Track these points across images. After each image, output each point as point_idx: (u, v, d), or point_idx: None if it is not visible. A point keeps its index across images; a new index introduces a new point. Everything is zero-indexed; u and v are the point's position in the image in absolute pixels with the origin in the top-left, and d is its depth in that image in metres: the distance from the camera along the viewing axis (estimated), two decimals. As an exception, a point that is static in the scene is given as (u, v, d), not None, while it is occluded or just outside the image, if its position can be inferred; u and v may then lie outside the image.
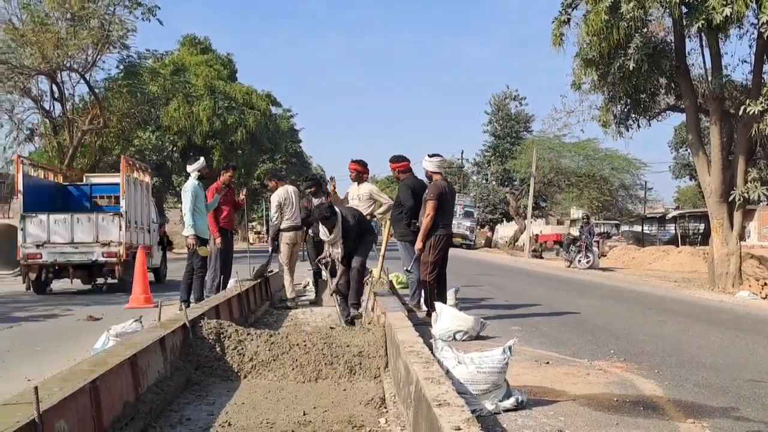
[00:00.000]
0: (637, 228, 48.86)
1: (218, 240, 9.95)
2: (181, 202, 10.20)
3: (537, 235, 41.55)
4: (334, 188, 10.14)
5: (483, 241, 49.42)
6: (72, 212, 13.38)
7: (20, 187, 13.18)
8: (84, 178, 16.89)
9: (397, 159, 9.33)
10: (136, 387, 4.13)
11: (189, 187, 9.33)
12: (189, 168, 9.69)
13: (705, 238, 29.88)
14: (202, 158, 10.06)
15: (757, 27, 13.40)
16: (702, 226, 39.64)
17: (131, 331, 5.87)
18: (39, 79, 23.42)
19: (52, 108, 24.25)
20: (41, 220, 12.99)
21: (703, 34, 14.81)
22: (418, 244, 8.35)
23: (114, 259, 12.81)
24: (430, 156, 8.67)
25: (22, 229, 13.00)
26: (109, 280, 13.62)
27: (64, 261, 12.98)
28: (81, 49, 22.25)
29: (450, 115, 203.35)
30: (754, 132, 14.02)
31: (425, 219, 8.24)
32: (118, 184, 13.67)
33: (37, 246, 12.89)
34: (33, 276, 13.01)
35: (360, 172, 9.73)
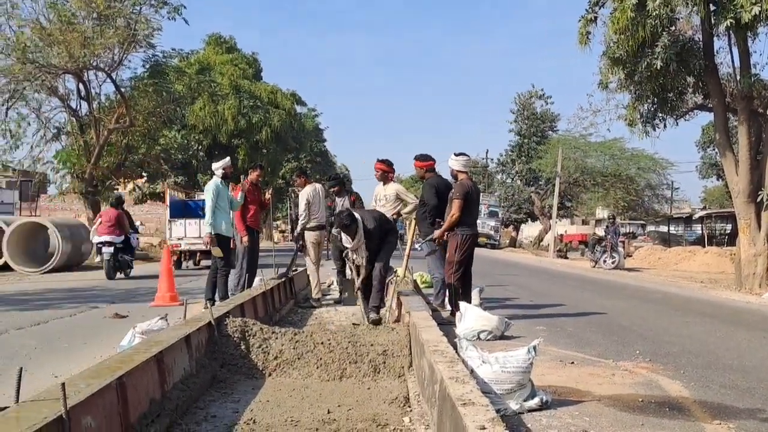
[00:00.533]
0: (664, 228, 48.37)
1: (245, 238, 9.97)
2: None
3: (562, 235, 41.30)
4: (354, 199, 10.34)
5: (507, 241, 49.21)
6: (198, 218, 18.04)
7: (168, 202, 19.60)
8: (195, 196, 22.08)
9: (423, 158, 9.32)
10: (162, 384, 4.17)
11: (211, 186, 9.36)
12: (214, 166, 9.71)
13: (732, 239, 29.46)
14: (228, 157, 10.08)
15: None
16: (729, 227, 39.15)
17: (157, 329, 5.92)
18: (66, 78, 23.61)
19: (78, 107, 24.46)
20: (180, 223, 18.76)
21: (731, 32, 14.62)
22: (437, 234, 8.37)
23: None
24: (457, 155, 8.65)
25: (169, 229, 19.02)
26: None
27: (194, 249, 19.01)
28: (107, 48, 22.38)
29: (450, 115, 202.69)
30: (782, 132, 13.84)
31: (450, 218, 8.22)
32: None
33: (178, 239, 18.77)
34: (175, 258, 18.24)
35: (386, 171, 9.71)
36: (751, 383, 5.56)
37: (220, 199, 9.33)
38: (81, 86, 23.90)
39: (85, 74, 23.57)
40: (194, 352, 4.99)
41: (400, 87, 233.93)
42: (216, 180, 9.43)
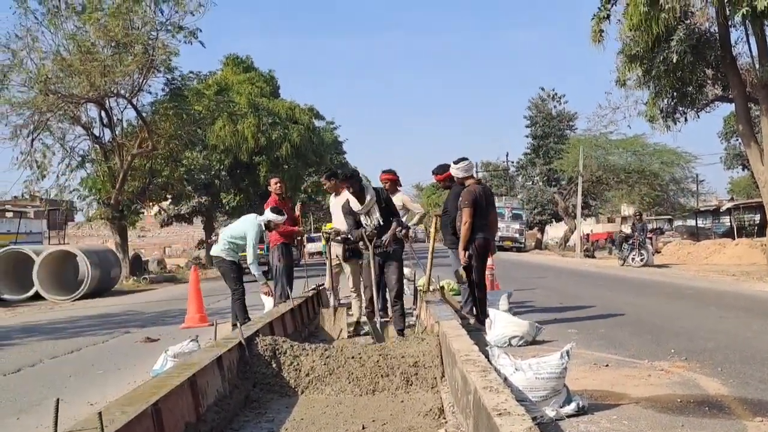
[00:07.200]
0: (691, 222, 47.82)
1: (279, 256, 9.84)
2: (231, 221, 10.30)
3: (588, 235, 40.97)
4: None
5: (533, 243, 48.93)
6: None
7: None
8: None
9: (440, 170, 9.27)
10: (197, 407, 4.18)
11: (257, 228, 8.98)
12: (272, 215, 9.09)
13: (762, 230, 29.08)
14: (283, 217, 9.63)
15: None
16: (758, 217, 38.61)
17: (188, 351, 5.94)
18: (88, 106, 23.98)
19: (101, 134, 24.79)
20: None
21: (747, 21, 14.48)
22: (461, 254, 8.23)
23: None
24: (456, 162, 8.56)
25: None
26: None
27: None
28: (127, 74, 22.72)
29: (495, 116, 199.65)
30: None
31: (463, 227, 8.10)
32: None
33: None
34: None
35: (394, 181, 9.65)
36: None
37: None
38: (103, 114, 24.27)
39: (107, 101, 23.92)
40: (226, 373, 5.00)
41: (417, 93, 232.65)
42: (261, 223, 9.19)
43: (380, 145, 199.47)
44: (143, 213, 32.15)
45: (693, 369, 5.89)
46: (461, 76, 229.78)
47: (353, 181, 7.50)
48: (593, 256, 32.94)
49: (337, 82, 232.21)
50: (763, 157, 15.34)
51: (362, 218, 7.62)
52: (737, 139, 34.39)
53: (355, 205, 7.55)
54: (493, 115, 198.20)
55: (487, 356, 4.60)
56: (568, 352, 4.56)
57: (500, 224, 41.01)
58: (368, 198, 7.47)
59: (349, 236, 8.33)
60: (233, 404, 4.84)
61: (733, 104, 16.77)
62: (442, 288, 10.02)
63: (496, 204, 41.10)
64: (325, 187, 10.02)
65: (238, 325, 6.24)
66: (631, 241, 23.49)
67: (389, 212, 7.68)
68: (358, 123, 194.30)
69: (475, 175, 8.85)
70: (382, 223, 7.54)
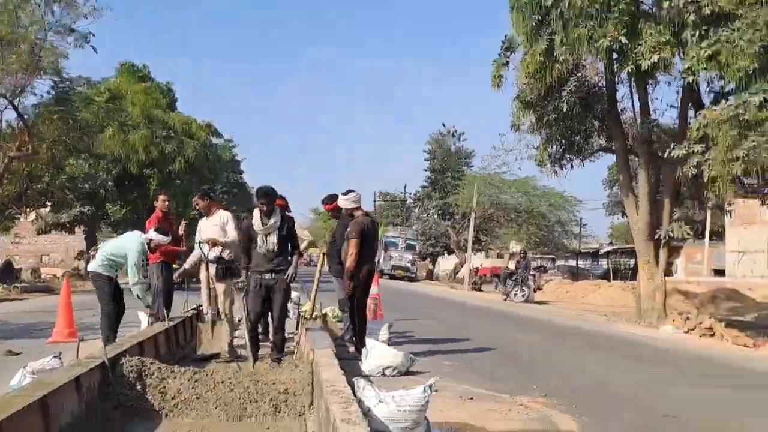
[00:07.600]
0: (572, 262, 49.90)
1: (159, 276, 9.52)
2: (115, 233, 9.85)
3: (477, 268, 42.02)
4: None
5: (424, 274, 49.68)
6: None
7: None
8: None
9: (329, 199, 9.31)
10: (47, 429, 4.00)
11: (140, 247, 8.62)
12: (157, 236, 8.75)
13: (635, 273, 30.66)
14: (168, 238, 9.33)
15: (681, 73, 13.90)
16: (632, 262, 40.72)
17: (50, 369, 5.69)
18: (-37, 103, 22.62)
19: (-24, 134, 23.40)
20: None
21: (632, 79, 15.37)
22: (346, 284, 8.29)
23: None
24: (344, 193, 8.65)
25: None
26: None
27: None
28: (8, 74, 21.56)
29: (397, 142, 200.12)
30: (678, 174, 14.47)
31: (349, 258, 8.16)
32: None
33: None
34: None
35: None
36: (639, 417, 5.78)
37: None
38: (-21, 113, 22.89)
39: (-16, 100, 22.60)
40: (85, 394, 4.81)
41: (319, 120, 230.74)
42: (144, 242, 8.90)
43: (281, 169, 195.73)
44: (19, 218, 30.52)
45: (551, 405, 6.14)
46: (369, 111, 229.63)
47: (269, 200, 7.42)
48: (480, 289, 33.85)
49: (240, 107, 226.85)
50: (638, 207, 16.22)
51: (259, 238, 7.47)
52: (619, 188, 36.31)
53: (257, 224, 7.42)
54: (394, 147, 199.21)
55: (353, 387, 4.64)
56: (431, 386, 4.65)
57: (394, 253, 41.62)
58: (273, 221, 7.38)
59: (223, 255, 8.33)
60: (90, 428, 4.66)
61: (615, 155, 17.70)
62: (325, 315, 10.03)
63: (392, 233, 41.32)
64: (197, 207, 9.71)
65: (104, 344, 6.01)
66: (515, 278, 24.27)
67: (288, 240, 7.61)
68: (260, 146, 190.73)
69: (363, 207, 8.92)
70: (276, 249, 7.45)
